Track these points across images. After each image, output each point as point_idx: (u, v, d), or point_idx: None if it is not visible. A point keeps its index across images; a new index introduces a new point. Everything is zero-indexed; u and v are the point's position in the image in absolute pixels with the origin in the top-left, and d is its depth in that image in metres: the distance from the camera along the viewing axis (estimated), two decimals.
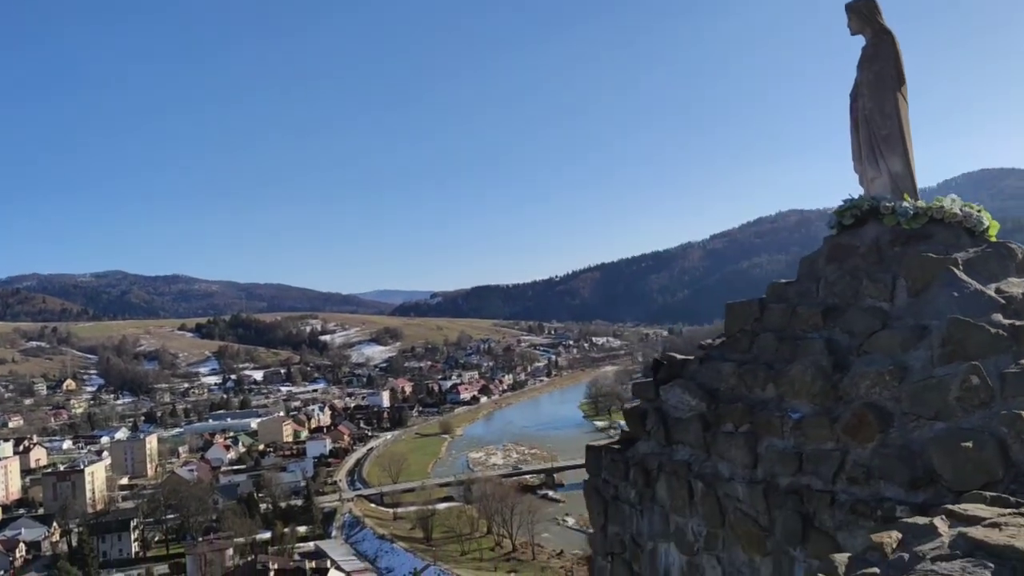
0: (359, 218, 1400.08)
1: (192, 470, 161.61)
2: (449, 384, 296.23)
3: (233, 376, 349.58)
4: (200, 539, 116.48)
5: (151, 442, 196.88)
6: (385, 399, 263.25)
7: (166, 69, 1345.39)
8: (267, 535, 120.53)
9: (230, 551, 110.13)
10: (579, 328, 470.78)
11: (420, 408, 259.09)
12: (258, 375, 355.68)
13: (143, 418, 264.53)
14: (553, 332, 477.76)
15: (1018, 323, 6.95)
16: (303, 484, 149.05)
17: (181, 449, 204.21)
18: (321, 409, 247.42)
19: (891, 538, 4.50)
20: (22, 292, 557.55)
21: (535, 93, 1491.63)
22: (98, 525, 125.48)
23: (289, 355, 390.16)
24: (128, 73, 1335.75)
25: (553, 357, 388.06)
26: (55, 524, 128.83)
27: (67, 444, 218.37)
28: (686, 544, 8.70)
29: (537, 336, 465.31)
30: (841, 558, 4.55)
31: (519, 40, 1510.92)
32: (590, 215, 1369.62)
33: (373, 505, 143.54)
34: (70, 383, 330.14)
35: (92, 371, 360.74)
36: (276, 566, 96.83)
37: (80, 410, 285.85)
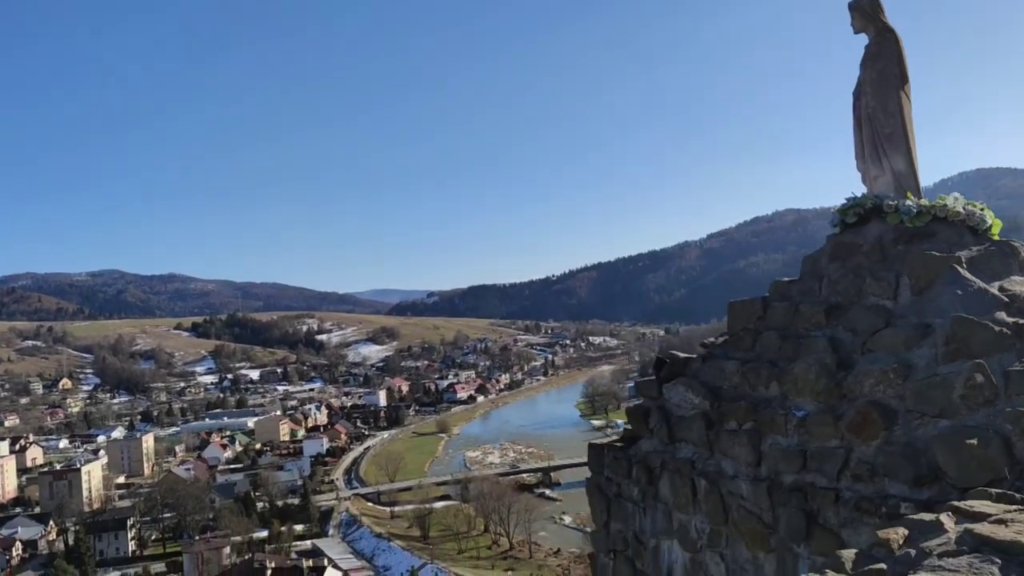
0: (355, 217, 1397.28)
1: (189, 469, 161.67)
2: (446, 383, 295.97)
3: (229, 375, 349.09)
4: (197, 538, 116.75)
5: (147, 441, 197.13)
6: (382, 398, 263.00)
7: (166, 69, 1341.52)
8: (264, 534, 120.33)
9: (227, 550, 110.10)
10: (576, 327, 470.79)
11: (417, 407, 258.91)
12: (254, 374, 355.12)
13: (139, 417, 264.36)
14: (550, 331, 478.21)
15: (1022, 321, 6.98)
16: (300, 483, 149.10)
17: (178, 448, 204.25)
18: (318, 408, 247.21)
19: (897, 534, 4.52)
20: (18, 291, 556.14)
21: (535, 93, 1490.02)
22: (95, 524, 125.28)
23: (286, 354, 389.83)
24: (127, 73, 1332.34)
25: (550, 356, 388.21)
26: (51, 523, 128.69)
27: (63, 443, 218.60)
28: (689, 541, 8.74)
29: (534, 335, 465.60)
30: (848, 554, 4.56)
31: (519, 40, 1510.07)
32: (588, 215, 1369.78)
33: (370, 504, 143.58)
34: (66, 382, 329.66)
35: (88, 370, 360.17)
36: (273, 565, 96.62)
37: (76, 409, 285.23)
